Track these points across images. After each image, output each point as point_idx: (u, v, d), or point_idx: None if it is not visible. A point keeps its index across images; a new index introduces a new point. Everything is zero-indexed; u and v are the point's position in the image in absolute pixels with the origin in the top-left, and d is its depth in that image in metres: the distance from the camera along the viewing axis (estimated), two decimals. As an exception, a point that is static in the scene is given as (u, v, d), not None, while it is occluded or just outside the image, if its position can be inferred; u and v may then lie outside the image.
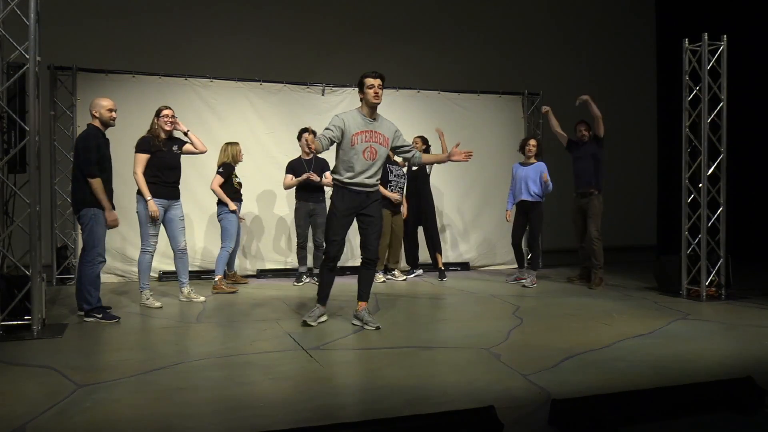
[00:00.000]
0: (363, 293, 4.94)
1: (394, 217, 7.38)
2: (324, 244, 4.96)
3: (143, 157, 5.56)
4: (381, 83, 4.75)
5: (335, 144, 4.79)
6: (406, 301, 6.24)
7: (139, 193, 5.59)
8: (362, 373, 3.66)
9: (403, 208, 7.52)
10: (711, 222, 6.18)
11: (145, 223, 5.61)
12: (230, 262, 7.22)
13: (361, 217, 4.90)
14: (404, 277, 7.47)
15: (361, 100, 4.83)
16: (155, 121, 5.68)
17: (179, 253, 5.87)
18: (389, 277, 7.51)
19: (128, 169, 6.51)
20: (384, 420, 2.76)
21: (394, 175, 7.31)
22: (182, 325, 4.99)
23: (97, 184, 4.90)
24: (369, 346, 4.32)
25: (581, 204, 7.05)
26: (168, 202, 5.71)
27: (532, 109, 8.95)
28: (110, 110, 5.10)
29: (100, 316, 5.00)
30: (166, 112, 5.71)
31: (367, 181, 4.82)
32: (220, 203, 6.80)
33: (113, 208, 5.08)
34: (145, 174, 5.56)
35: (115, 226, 5.08)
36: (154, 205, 5.53)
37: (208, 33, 8.21)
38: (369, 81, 4.73)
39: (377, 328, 4.74)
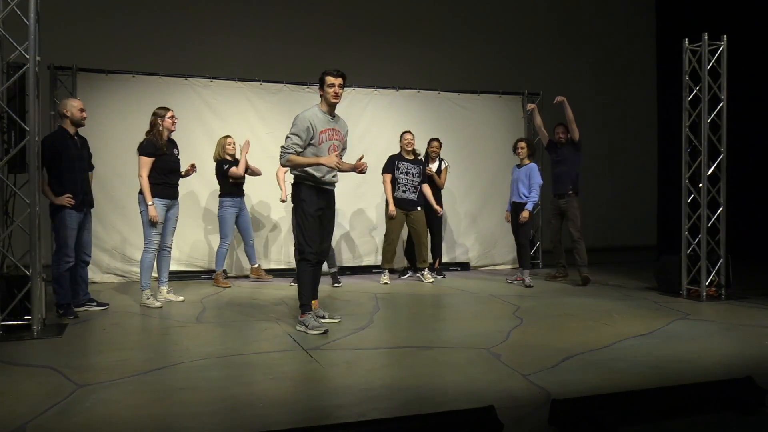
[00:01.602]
0: (317, 292, 4.95)
1: (409, 217, 7.27)
2: (307, 245, 4.68)
3: (148, 161, 5.59)
4: (342, 82, 4.65)
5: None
6: (406, 301, 6.24)
7: (142, 193, 5.62)
8: (362, 373, 3.66)
9: (436, 207, 7.34)
10: (711, 222, 6.18)
11: (147, 223, 5.64)
12: (250, 256, 7.31)
13: (323, 215, 4.78)
14: (432, 279, 7.36)
15: (321, 96, 4.72)
16: (159, 122, 5.68)
17: (165, 252, 5.92)
18: (418, 276, 7.48)
19: (129, 168, 6.53)
20: (384, 420, 2.77)
21: (401, 173, 7.20)
22: (182, 325, 4.99)
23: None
24: (369, 346, 4.32)
25: (559, 204, 7.27)
26: (171, 202, 5.80)
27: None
28: (81, 110, 5.31)
29: (62, 312, 5.15)
30: (171, 113, 5.76)
31: (334, 180, 4.80)
32: (221, 196, 6.90)
33: (88, 203, 5.38)
34: (150, 176, 5.59)
35: (71, 203, 5.14)
36: (154, 211, 5.57)
37: (208, 33, 8.21)
38: (330, 80, 4.62)
39: (339, 321, 4.94)
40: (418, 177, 7.27)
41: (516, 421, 2.80)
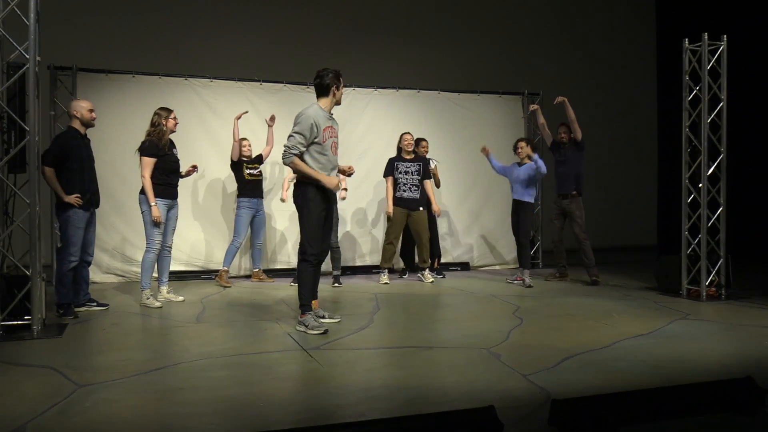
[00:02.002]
0: (317, 292, 4.93)
1: (411, 217, 7.26)
2: (310, 246, 4.66)
3: (151, 161, 5.60)
4: None
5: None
6: (406, 301, 6.23)
7: (143, 193, 5.63)
8: (362, 373, 3.66)
9: (435, 207, 7.34)
10: (711, 222, 6.18)
11: (149, 223, 5.64)
12: (255, 259, 7.41)
13: (327, 215, 4.79)
14: (432, 279, 7.37)
15: (333, 94, 4.73)
16: (163, 123, 5.69)
17: (165, 251, 5.94)
18: (419, 276, 7.47)
19: (128, 168, 6.54)
20: (384, 420, 2.77)
21: (400, 173, 7.20)
22: (182, 325, 4.99)
23: (47, 173, 5.10)
24: (369, 346, 4.32)
25: (562, 205, 7.30)
26: (172, 202, 5.83)
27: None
28: (91, 110, 5.37)
29: (62, 311, 5.15)
30: (174, 114, 5.80)
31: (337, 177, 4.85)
32: (238, 197, 7.04)
33: (95, 203, 5.44)
34: (152, 177, 5.61)
35: (79, 203, 5.19)
36: (157, 211, 5.59)
37: (208, 33, 8.21)
38: (342, 80, 4.78)
39: (338, 321, 4.95)
40: (418, 175, 7.27)
41: (516, 421, 2.80)
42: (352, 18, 8.89)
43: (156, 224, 5.62)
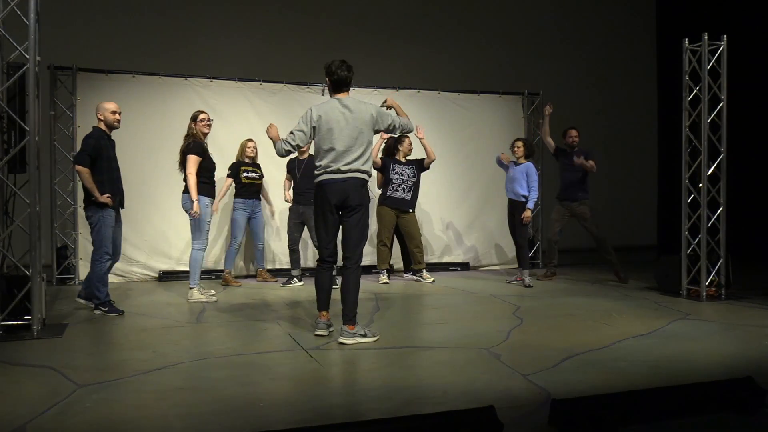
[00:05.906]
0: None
1: (401, 219, 7.26)
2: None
3: (197, 159, 5.79)
4: None
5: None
6: (406, 301, 6.23)
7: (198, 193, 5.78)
8: (362, 373, 3.66)
9: (428, 151, 7.28)
10: (711, 222, 6.18)
11: (205, 221, 5.83)
12: (258, 259, 7.45)
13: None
14: (432, 279, 7.37)
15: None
16: (192, 126, 5.88)
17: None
18: (417, 278, 7.47)
19: (127, 168, 6.51)
20: (384, 420, 2.77)
21: (396, 173, 7.20)
22: (182, 325, 4.99)
23: (85, 173, 5.09)
24: (369, 347, 4.31)
25: (569, 207, 7.36)
26: (212, 201, 6.05)
27: (532, 109, 8.96)
28: (114, 113, 5.33)
29: (106, 309, 5.24)
30: (203, 116, 5.98)
31: None
32: (234, 197, 7.09)
33: (122, 204, 5.43)
34: (197, 175, 5.79)
35: (110, 204, 5.19)
36: (198, 207, 5.75)
37: (208, 33, 8.21)
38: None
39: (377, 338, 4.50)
40: (413, 177, 7.28)
41: (516, 421, 2.80)
42: (352, 18, 8.88)
43: (206, 221, 5.85)
